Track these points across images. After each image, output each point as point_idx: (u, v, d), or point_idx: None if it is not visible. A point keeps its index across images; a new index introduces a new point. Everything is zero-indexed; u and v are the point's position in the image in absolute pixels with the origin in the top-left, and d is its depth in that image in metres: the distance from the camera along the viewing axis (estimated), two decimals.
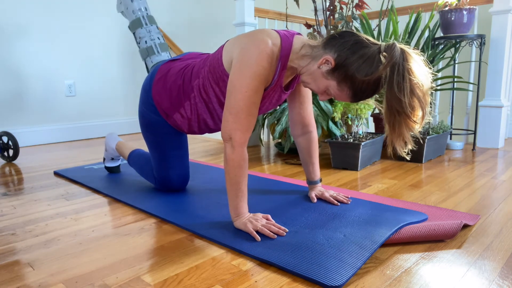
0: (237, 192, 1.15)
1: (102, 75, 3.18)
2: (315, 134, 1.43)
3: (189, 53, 1.49)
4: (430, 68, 1.04)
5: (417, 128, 1.03)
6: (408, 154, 1.12)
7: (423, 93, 0.99)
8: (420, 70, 1.00)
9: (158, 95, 1.41)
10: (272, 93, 1.24)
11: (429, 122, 2.18)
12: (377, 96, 1.20)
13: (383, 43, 1.05)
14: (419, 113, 1.01)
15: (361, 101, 1.17)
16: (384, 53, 1.02)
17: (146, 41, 1.65)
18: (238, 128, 1.12)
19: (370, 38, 1.08)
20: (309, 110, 1.41)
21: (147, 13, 1.69)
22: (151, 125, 1.46)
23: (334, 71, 1.08)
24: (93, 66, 3.12)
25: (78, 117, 3.07)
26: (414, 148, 1.11)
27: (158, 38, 1.66)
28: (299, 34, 1.21)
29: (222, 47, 1.24)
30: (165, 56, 1.65)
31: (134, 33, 1.70)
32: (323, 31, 2.86)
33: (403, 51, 1.00)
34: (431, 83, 1.03)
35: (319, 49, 1.11)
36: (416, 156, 2.05)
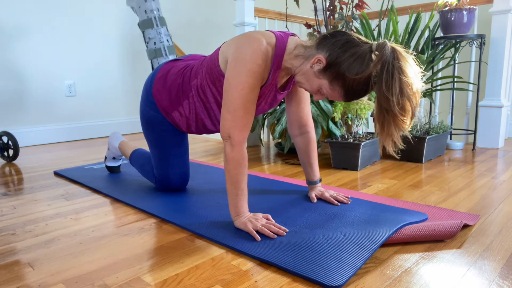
0: (237, 191, 1.15)
1: (102, 75, 3.18)
2: (312, 134, 1.43)
3: (192, 55, 1.51)
4: (422, 68, 1.04)
5: (406, 127, 1.02)
6: (398, 154, 1.12)
7: (413, 92, 0.99)
8: (410, 70, 1.00)
9: (158, 93, 1.42)
10: (268, 93, 1.24)
11: (429, 122, 2.18)
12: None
13: (375, 42, 1.05)
14: (408, 112, 1.00)
15: (356, 100, 1.17)
16: (375, 52, 1.02)
17: (155, 43, 1.67)
18: (236, 126, 1.12)
19: (362, 38, 1.08)
20: (306, 110, 1.41)
21: (159, 14, 1.71)
22: (151, 122, 1.47)
23: (326, 70, 1.08)
24: (93, 66, 3.12)
25: (78, 117, 3.07)
26: (403, 148, 1.11)
27: (167, 40, 1.68)
28: (293, 34, 1.22)
29: (219, 48, 1.25)
30: (172, 58, 1.67)
31: (143, 32, 1.72)
32: (323, 31, 2.86)
33: (394, 50, 1.00)
34: (423, 82, 1.03)
35: (312, 49, 1.12)
36: (416, 156, 2.04)
